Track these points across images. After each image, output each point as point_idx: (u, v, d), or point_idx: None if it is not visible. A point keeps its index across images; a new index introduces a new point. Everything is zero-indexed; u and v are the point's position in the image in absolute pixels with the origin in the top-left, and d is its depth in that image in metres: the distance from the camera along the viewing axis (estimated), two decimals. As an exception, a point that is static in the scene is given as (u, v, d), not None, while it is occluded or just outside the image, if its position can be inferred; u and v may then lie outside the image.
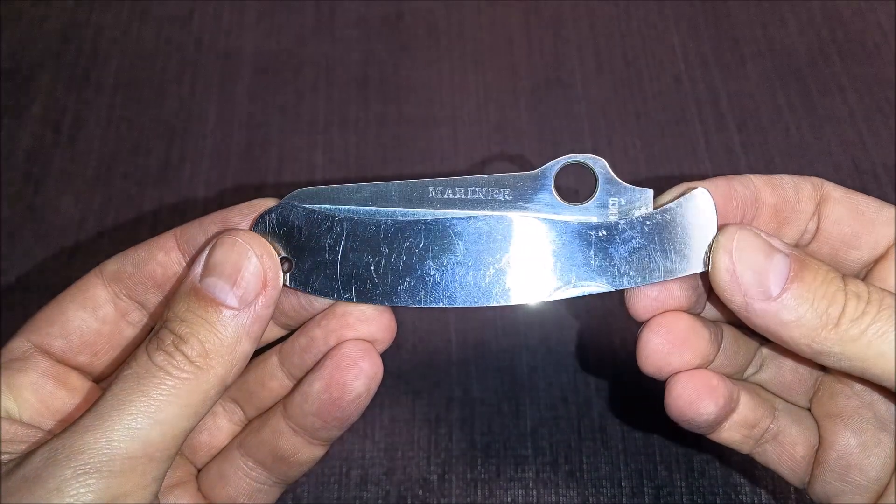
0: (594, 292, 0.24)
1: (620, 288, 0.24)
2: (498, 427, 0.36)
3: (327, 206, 0.25)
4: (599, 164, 0.24)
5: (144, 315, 0.26)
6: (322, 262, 0.24)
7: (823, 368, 0.27)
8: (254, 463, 0.27)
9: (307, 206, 0.25)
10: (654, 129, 0.44)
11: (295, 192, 0.26)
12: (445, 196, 0.24)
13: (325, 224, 0.25)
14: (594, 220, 0.24)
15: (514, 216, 0.24)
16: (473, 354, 0.37)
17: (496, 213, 0.24)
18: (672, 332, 0.24)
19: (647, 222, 0.23)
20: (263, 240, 0.24)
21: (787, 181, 0.25)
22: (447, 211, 0.24)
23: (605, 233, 0.23)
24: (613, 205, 0.24)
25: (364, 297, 0.24)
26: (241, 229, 0.24)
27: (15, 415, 0.24)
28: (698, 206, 0.23)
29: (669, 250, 0.23)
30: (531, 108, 0.45)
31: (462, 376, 0.37)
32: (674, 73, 0.46)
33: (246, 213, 0.25)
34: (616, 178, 0.24)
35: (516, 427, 0.35)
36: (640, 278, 0.23)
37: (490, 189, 0.24)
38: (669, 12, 0.49)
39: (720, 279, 0.22)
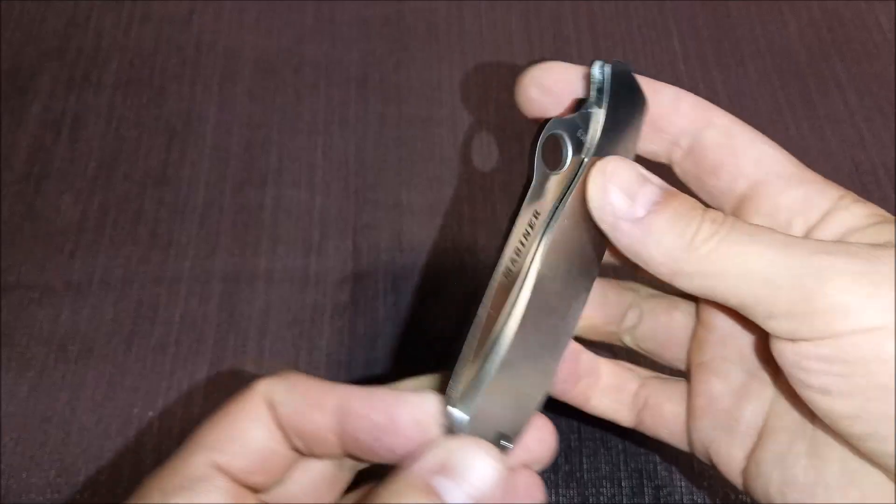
0: None
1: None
2: (498, 427, 0.36)
3: None
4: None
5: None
6: None
7: (690, 297, 0.27)
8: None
9: None
10: (654, 129, 0.44)
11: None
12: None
13: None
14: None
15: None
16: (473, 354, 0.37)
17: None
18: None
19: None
20: (496, 453, 0.22)
21: (668, 91, 0.26)
22: None
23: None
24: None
25: None
26: (482, 443, 0.22)
27: None
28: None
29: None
30: (531, 108, 0.45)
31: (462, 376, 0.37)
32: (674, 72, 0.46)
33: (415, 405, 0.23)
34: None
35: (516, 427, 0.35)
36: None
37: None
38: (669, 12, 0.49)
39: (593, 197, 0.23)
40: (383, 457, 0.23)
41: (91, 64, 0.47)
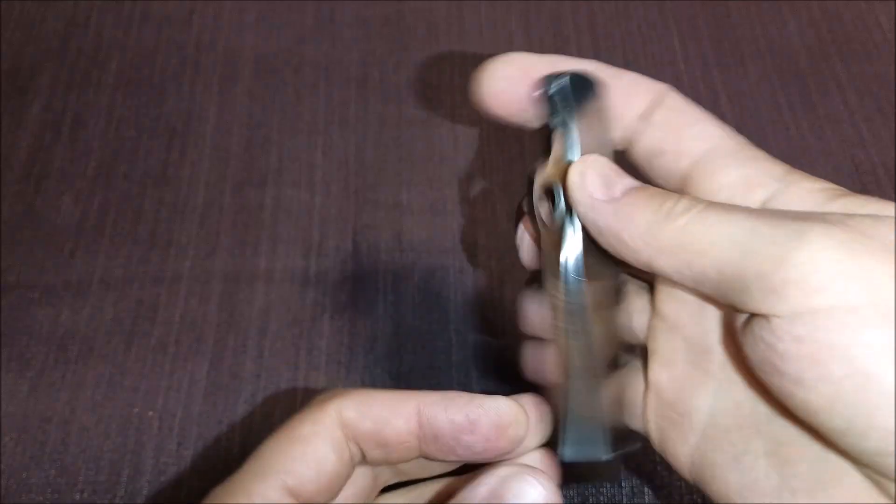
0: None
1: None
2: (498, 427, 0.36)
3: None
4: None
5: (362, 462, 0.25)
6: None
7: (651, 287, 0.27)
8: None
9: None
10: (654, 129, 0.44)
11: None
12: None
13: None
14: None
15: None
16: (473, 354, 0.37)
17: None
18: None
19: None
20: (551, 482, 0.23)
21: (626, 77, 0.26)
22: None
23: None
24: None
25: None
26: (534, 469, 0.24)
27: None
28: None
29: None
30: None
31: (462, 376, 0.37)
32: (673, 72, 0.46)
33: (490, 405, 0.24)
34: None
35: (516, 427, 0.35)
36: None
37: None
38: (669, 12, 0.49)
39: (572, 180, 0.23)
40: (462, 455, 0.24)
41: (91, 64, 0.47)
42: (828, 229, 0.18)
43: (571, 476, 0.25)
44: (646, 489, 0.34)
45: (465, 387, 0.36)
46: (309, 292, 0.39)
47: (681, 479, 0.34)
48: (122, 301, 0.39)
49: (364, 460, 0.24)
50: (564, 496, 0.34)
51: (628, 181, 0.23)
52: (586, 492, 0.34)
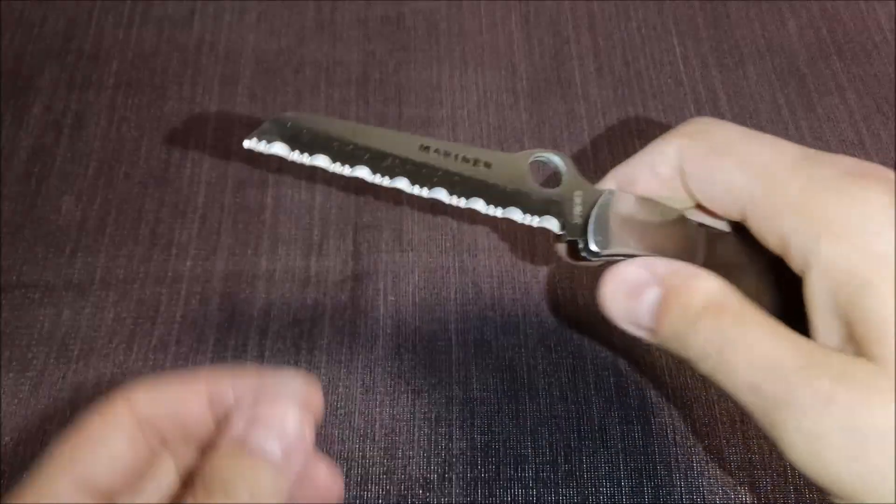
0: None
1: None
2: (498, 427, 0.36)
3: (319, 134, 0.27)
4: (565, 163, 0.27)
5: (164, 450, 0.25)
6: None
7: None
8: None
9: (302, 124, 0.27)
10: (654, 129, 0.44)
11: (287, 114, 0.27)
12: (435, 152, 0.26)
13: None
14: (561, 205, 0.26)
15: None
16: (473, 354, 0.37)
17: (481, 179, 0.26)
18: None
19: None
20: (303, 414, 0.23)
21: (645, 159, 0.25)
22: (433, 167, 0.26)
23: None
24: (578, 196, 0.26)
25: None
26: (286, 382, 0.24)
27: None
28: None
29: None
30: (531, 108, 0.45)
31: (462, 376, 0.37)
32: (673, 73, 0.46)
33: (280, 383, 0.24)
34: (580, 175, 0.26)
35: (516, 426, 0.36)
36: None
37: (477, 159, 0.26)
38: (669, 12, 0.49)
39: (603, 310, 0.24)
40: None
41: (92, 64, 0.47)
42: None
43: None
44: (645, 488, 0.34)
45: (466, 386, 0.37)
46: (309, 292, 0.39)
47: (680, 478, 0.34)
48: (123, 301, 0.39)
49: (167, 445, 0.25)
50: (563, 495, 0.34)
51: (647, 300, 0.23)
52: (586, 491, 0.34)
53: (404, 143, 0.26)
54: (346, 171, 0.26)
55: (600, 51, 0.47)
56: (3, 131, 0.44)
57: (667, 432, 0.35)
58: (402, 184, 0.26)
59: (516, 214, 0.26)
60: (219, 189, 0.42)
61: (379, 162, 0.26)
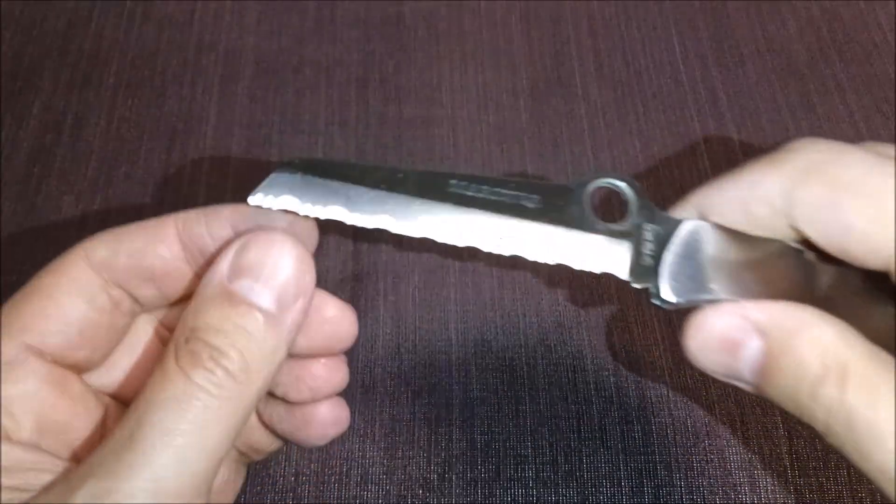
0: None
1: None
2: (498, 427, 0.36)
3: (333, 181, 0.23)
4: (634, 189, 0.23)
5: (137, 306, 0.23)
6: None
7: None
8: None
9: (310, 176, 0.23)
10: (654, 129, 0.44)
11: (294, 159, 0.24)
12: (468, 193, 0.22)
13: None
14: (628, 243, 0.22)
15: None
16: (473, 354, 0.37)
17: (524, 220, 0.22)
18: None
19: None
20: (297, 241, 0.22)
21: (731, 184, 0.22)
22: (467, 209, 0.22)
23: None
24: (649, 230, 0.22)
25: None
26: (274, 227, 0.22)
27: (14, 435, 0.20)
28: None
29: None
30: (531, 108, 0.45)
31: (462, 376, 0.37)
32: (673, 72, 0.46)
33: (254, 218, 0.23)
34: (651, 203, 0.22)
35: (516, 426, 0.36)
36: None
37: (517, 193, 0.23)
38: (669, 12, 0.49)
39: (692, 363, 0.20)
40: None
41: (92, 64, 0.47)
42: None
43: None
44: (645, 489, 0.34)
45: (466, 386, 0.37)
46: (309, 292, 0.39)
47: (681, 478, 0.34)
48: (123, 301, 0.39)
49: (140, 305, 0.22)
50: (563, 495, 0.34)
51: (748, 357, 0.19)
52: (586, 491, 0.34)
53: (431, 183, 0.23)
54: (366, 221, 0.24)
55: (600, 51, 0.47)
56: (3, 131, 0.44)
57: (667, 432, 0.35)
58: (433, 232, 0.23)
59: (574, 261, 0.22)
60: (219, 189, 0.42)
61: (403, 210, 0.23)
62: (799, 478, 0.34)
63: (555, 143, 0.43)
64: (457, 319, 0.38)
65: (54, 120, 0.45)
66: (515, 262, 0.39)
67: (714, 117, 0.44)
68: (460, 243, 0.22)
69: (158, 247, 0.22)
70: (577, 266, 0.22)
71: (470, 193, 0.22)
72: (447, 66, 0.47)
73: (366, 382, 0.37)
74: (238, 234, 0.22)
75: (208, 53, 0.47)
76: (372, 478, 0.35)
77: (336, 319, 0.24)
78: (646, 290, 0.21)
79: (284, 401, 0.25)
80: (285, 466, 0.35)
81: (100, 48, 0.48)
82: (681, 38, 0.48)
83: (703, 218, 0.22)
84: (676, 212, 0.23)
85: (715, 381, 0.21)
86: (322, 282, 0.40)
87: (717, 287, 0.20)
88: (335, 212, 0.23)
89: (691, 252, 0.21)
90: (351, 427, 0.36)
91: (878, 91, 0.45)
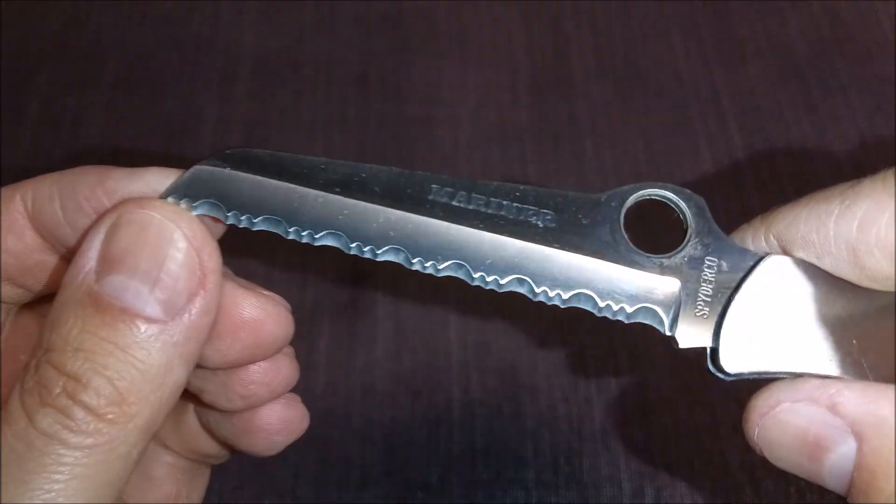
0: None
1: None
2: (498, 428, 0.35)
3: (271, 181, 0.16)
4: (694, 204, 0.16)
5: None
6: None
7: None
8: (175, 457, 0.22)
9: (242, 173, 0.16)
10: (655, 129, 0.44)
11: (226, 149, 0.17)
12: (453, 203, 0.17)
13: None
14: (678, 284, 0.16)
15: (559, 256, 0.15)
16: (473, 354, 0.37)
17: (528, 243, 0.16)
18: None
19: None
20: (191, 213, 0.16)
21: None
22: (450, 226, 0.16)
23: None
24: (711, 267, 0.16)
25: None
26: (153, 198, 0.16)
27: None
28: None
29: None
30: (531, 108, 0.45)
31: (462, 377, 0.37)
32: (674, 72, 0.46)
33: (140, 178, 0.17)
34: (717, 227, 0.16)
35: (516, 428, 0.35)
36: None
37: (523, 207, 0.16)
38: (669, 12, 0.49)
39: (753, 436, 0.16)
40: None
41: (90, 63, 0.47)
42: None
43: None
44: (646, 490, 0.34)
45: (466, 387, 0.36)
46: (309, 292, 0.39)
47: (682, 480, 0.34)
48: (121, 301, 0.38)
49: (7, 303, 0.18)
50: (564, 497, 0.34)
51: (834, 466, 0.15)
52: (587, 493, 0.34)
53: (404, 188, 0.17)
54: (308, 237, 0.17)
55: (601, 49, 0.47)
56: (1, 130, 0.44)
57: (668, 433, 0.35)
58: (399, 258, 0.17)
59: (596, 304, 0.16)
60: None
61: (360, 220, 0.16)
62: (801, 479, 0.34)
63: (555, 143, 0.43)
64: (457, 320, 0.38)
65: (52, 118, 0.44)
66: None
67: (715, 117, 0.44)
68: (436, 272, 0.17)
69: (6, 238, 0.17)
70: (598, 311, 0.17)
71: (456, 204, 0.17)
72: (447, 64, 0.47)
73: (365, 383, 0.36)
74: (104, 212, 0.16)
75: (207, 52, 0.47)
76: (371, 479, 0.34)
77: (255, 323, 0.18)
78: (699, 351, 0.16)
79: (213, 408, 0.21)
80: (285, 467, 0.35)
81: (98, 47, 0.47)
82: (681, 37, 0.48)
83: (786, 252, 0.16)
84: (747, 240, 0.17)
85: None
86: (322, 281, 0.40)
87: (803, 356, 0.15)
88: (269, 224, 0.17)
89: (771, 302, 0.15)
90: (350, 428, 0.36)
91: (880, 90, 0.45)
